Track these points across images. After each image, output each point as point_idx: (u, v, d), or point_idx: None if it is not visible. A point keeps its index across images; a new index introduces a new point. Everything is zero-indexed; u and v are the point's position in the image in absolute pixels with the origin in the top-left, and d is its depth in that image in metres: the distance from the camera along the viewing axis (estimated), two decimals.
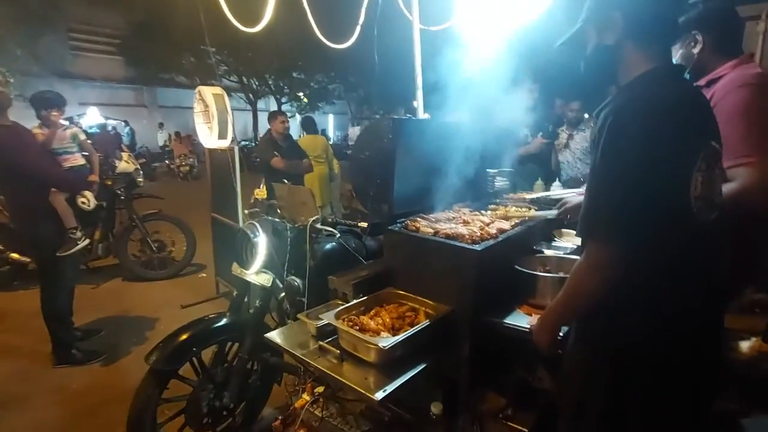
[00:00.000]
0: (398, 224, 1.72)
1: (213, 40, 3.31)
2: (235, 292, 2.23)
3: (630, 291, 1.00)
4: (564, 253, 1.78)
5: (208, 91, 3.34)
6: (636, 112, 0.95)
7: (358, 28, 3.17)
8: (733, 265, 1.64)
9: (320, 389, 1.74)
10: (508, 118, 2.80)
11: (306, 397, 1.72)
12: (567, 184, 3.54)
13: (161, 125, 17.89)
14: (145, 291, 4.57)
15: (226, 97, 3.32)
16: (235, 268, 2.14)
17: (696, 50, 1.54)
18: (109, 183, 4.53)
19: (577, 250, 1.82)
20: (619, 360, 1.07)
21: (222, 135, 3.27)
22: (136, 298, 4.37)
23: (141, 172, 4.79)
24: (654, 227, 0.95)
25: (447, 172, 2.01)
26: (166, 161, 15.15)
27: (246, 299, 2.23)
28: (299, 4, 2.98)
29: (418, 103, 2.79)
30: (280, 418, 1.77)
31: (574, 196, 1.83)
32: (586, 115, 3.58)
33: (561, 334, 1.24)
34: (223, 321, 2.07)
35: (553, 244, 1.91)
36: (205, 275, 4.91)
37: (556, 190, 2.62)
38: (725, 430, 2.18)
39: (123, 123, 15.45)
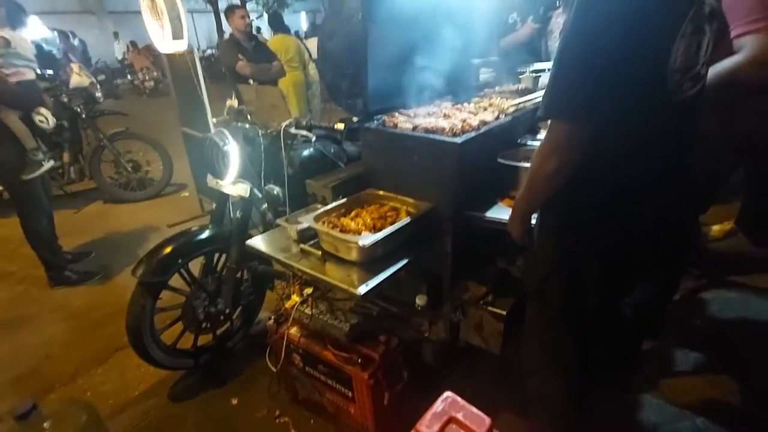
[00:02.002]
0: (375, 121, 1.61)
1: None
2: (214, 204, 2.18)
3: (588, 174, 0.95)
4: None
5: None
6: None
7: None
8: (723, 149, 1.61)
9: (309, 290, 1.79)
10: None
11: (295, 297, 1.77)
12: None
13: (116, 35, 16.09)
14: (128, 212, 4.51)
15: None
16: (210, 180, 2.05)
17: None
18: (66, 100, 4.18)
19: None
20: (576, 247, 1.09)
21: (176, 35, 2.90)
22: (120, 219, 4.32)
23: (98, 86, 4.38)
24: (620, 106, 0.86)
25: (426, 61, 1.84)
26: (129, 77, 13.94)
27: (227, 210, 2.19)
28: None
29: None
30: (272, 316, 1.85)
31: None
32: None
33: (533, 222, 1.23)
34: (206, 233, 2.06)
35: (539, 136, 1.84)
36: (187, 194, 4.82)
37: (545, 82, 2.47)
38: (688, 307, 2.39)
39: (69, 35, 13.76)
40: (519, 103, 1.85)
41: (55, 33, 11.89)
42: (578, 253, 1.10)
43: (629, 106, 0.88)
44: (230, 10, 3.97)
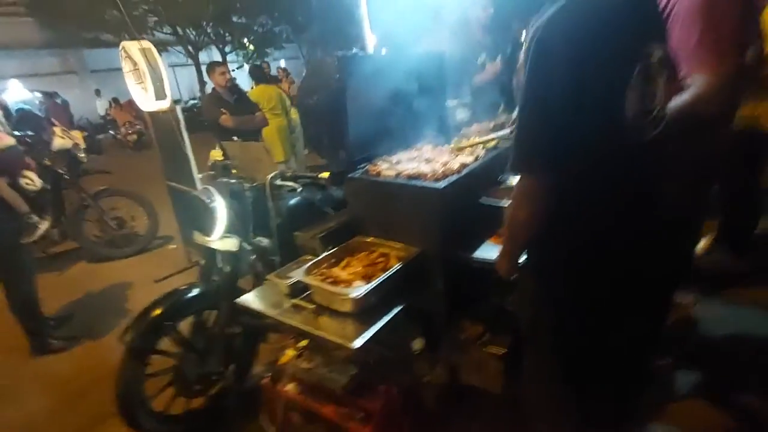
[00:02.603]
0: (358, 170, 1.65)
1: None
2: (202, 261, 2.16)
3: (561, 218, 0.98)
4: None
5: (134, 47, 2.98)
6: (564, 23, 0.85)
7: None
8: (688, 185, 1.68)
9: (304, 343, 1.76)
10: (463, 43, 2.67)
11: (290, 352, 1.74)
12: None
13: (98, 92, 16.34)
14: (114, 270, 4.41)
15: (155, 51, 2.98)
16: (198, 237, 2.05)
17: None
18: (49, 163, 4.17)
19: None
20: (557, 286, 1.11)
21: (159, 95, 2.98)
22: (106, 278, 4.21)
23: (82, 147, 4.40)
24: (583, 153, 0.90)
25: (404, 109, 1.92)
26: (111, 131, 14.02)
27: (216, 265, 2.17)
28: None
29: (368, 36, 2.58)
30: (268, 375, 1.80)
31: None
32: None
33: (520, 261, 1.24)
34: (195, 291, 2.02)
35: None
36: (174, 246, 4.76)
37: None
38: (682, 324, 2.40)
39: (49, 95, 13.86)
40: (495, 139, 1.92)
41: (36, 94, 12.00)
42: (560, 292, 1.12)
43: (589, 154, 0.92)
44: (211, 67, 4.11)
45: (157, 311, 1.91)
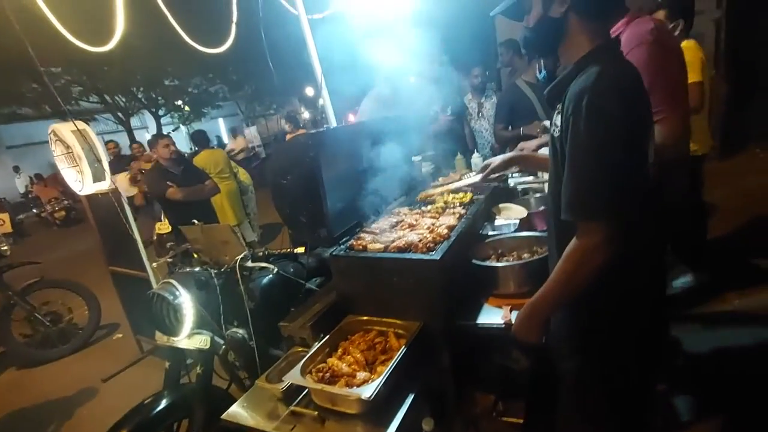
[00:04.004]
0: (342, 246, 1.55)
1: (57, 59, 2.70)
2: (167, 363, 1.89)
3: (622, 265, 1.00)
4: (510, 232, 1.77)
5: (65, 129, 2.75)
6: (611, 91, 0.94)
7: (233, 27, 2.81)
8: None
9: None
10: (420, 98, 2.73)
11: None
12: (488, 152, 3.64)
13: (17, 169, 15.04)
14: (51, 374, 3.83)
15: (92, 132, 2.77)
16: (160, 338, 1.80)
17: None
18: None
19: (521, 226, 1.82)
20: (617, 338, 1.09)
21: (97, 177, 2.73)
22: (41, 385, 3.63)
23: (3, 239, 3.91)
24: (636, 200, 0.97)
25: (374, 173, 1.87)
26: (34, 210, 12.78)
27: (184, 367, 1.92)
28: (155, 8, 2.52)
29: (326, 105, 2.56)
30: None
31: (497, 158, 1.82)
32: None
33: None
34: (163, 402, 1.74)
35: (496, 223, 1.90)
36: (121, 335, 4.26)
37: (477, 161, 2.64)
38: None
39: None
40: (467, 187, 1.93)
41: None
42: (614, 335, 1.09)
43: (639, 199, 0.98)
44: (154, 142, 3.87)
45: None
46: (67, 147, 2.78)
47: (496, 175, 1.69)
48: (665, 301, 1.24)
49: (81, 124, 2.74)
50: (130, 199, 4.73)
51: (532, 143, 2.42)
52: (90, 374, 3.54)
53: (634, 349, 1.10)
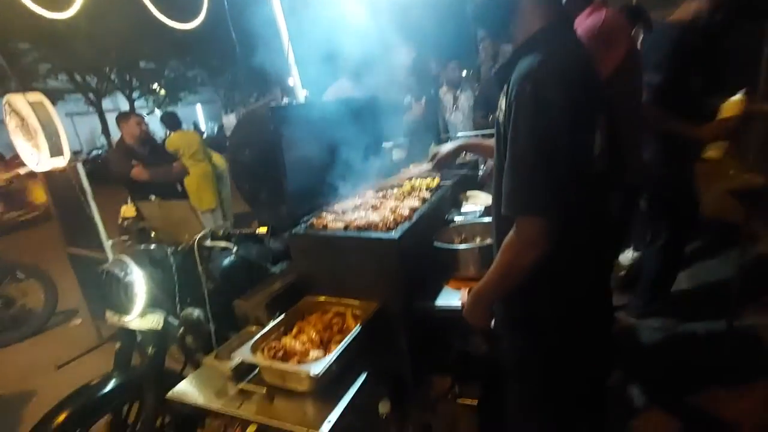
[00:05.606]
0: (302, 225, 1.51)
1: (24, 34, 2.54)
2: (117, 344, 1.81)
3: (557, 260, 0.98)
4: (474, 218, 1.77)
5: (21, 100, 2.59)
6: (554, 78, 0.90)
7: (205, 3, 2.70)
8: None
9: (253, 427, 1.51)
10: (388, 84, 2.71)
11: None
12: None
13: None
14: (2, 360, 3.64)
15: (48, 104, 2.62)
16: (111, 317, 1.72)
17: None
18: None
19: (486, 212, 1.83)
20: (552, 325, 1.09)
21: (55, 152, 2.59)
22: None
23: None
24: (575, 194, 0.94)
25: (341, 154, 1.84)
26: None
27: (135, 348, 1.84)
28: None
29: (295, 81, 2.50)
30: None
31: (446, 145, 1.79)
32: (464, 73, 3.68)
33: None
34: (111, 383, 1.67)
35: (463, 209, 1.90)
36: (79, 321, 4.08)
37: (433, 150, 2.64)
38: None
39: None
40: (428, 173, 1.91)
41: None
42: (555, 333, 1.09)
43: (580, 186, 0.96)
44: (125, 116, 3.65)
45: (62, 416, 1.53)
46: (22, 119, 2.63)
47: (447, 163, 1.68)
48: (607, 292, 1.24)
49: (36, 95, 2.59)
50: None
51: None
52: (44, 361, 3.37)
53: (571, 337, 1.09)
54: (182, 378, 1.83)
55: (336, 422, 1.08)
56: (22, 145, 2.72)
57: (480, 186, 2.15)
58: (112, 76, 14.89)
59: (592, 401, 1.29)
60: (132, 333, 1.78)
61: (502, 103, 1.00)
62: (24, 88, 2.71)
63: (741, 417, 1.90)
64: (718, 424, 1.91)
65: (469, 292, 1.37)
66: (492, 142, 1.20)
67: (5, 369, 3.44)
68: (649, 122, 2.05)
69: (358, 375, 1.24)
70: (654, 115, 2.04)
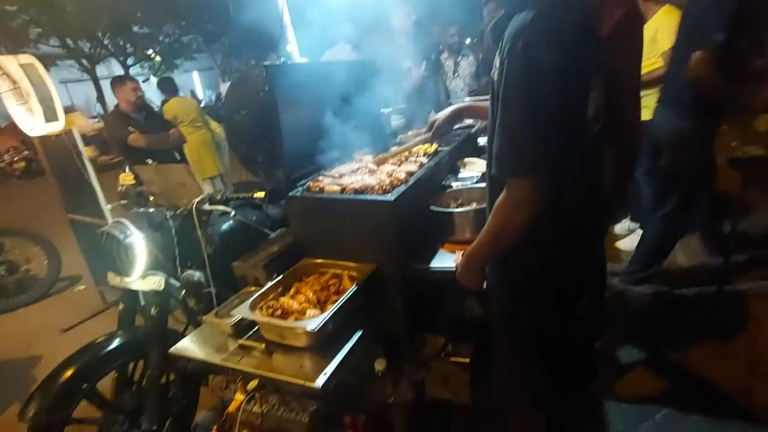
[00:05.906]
0: (299, 188, 1.52)
1: None
2: (121, 305, 1.86)
3: (546, 220, 0.97)
4: (471, 183, 1.77)
5: (12, 62, 2.55)
6: (547, 36, 0.86)
7: None
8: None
9: (254, 383, 1.57)
10: (387, 49, 2.64)
11: (239, 396, 1.54)
12: None
13: None
14: (7, 325, 3.73)
15: (40, 67, 2.57)
16: (112, 278, 1.76)
17: None
18: None
19: (482, 178, 1.83)
20: (535, 283, 1.11)
21: (49, 116, 2.57)
22: None
23: None
24: (566, 155, 0.93)
25: (340, 118, 1.82)
26: None
27: (139, 308, 1.89)
28: None
29: (292, 47, 2.44)
30: (215, 427, 1.58)
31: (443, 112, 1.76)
32: (468, 41, 3.57)
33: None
34: (116, 342, 1.73)
35: (460, 175, 1.90)
36: (83, 287, 4.15)
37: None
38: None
39: None
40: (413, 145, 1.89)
41: None
42: (540, 292, 1.11)
43: (573, 151, 0.95)
44: (120, 81, 3.58)
45: (68, 372, 1.59)
46: (14, 82, 2.59)
47: (444, 129, 1.63)
48: (599, 256, 1.25)
49: (28, 57, 2.54)
50: None
51: None
52: (50, 325, 3.46)
53: (557, 297, 1.11)
54: (184, 337, 1.90)
55: (331, 375, 1.13)
56: (15, 109, 2.69)
57: (477, 153, 2.14)
58: (105, 41, 14.49)
59: (578, 361, 1.34)
60: (134, 294, 1.82)
61: (497, 60, 0.97)
62: (14, 52, 2.65)
63: (723, 378, 1.97)
64: (702, 383, 1.98)
65: (463, 254, 1.40)
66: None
67: (12, 333, 3.53)
68: (700, 81, 1.96)
69: (354, 333, 1.28)
70: (707, 75, 1.94)
